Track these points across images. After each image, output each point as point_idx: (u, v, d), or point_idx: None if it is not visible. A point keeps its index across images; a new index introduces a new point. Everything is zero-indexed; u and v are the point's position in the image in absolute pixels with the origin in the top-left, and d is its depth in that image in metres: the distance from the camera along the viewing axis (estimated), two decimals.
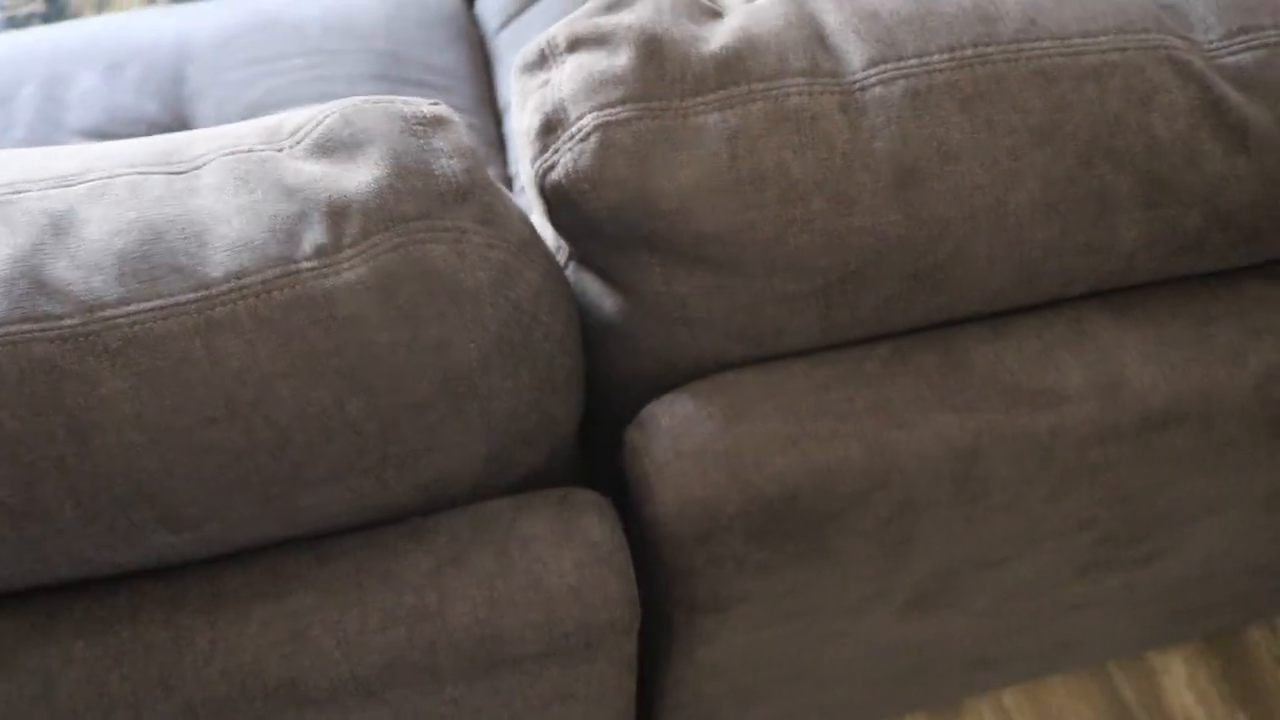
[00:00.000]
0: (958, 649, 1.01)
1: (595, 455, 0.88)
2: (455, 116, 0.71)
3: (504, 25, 1.59)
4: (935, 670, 1.05)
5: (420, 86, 1.44)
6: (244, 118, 1.42)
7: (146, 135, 1.41)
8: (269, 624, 0.68)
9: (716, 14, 0.77)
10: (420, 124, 0.68)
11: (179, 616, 0.68)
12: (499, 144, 1.44)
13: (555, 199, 0.72)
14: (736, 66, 0.71)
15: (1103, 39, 0.75)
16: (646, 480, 0.73)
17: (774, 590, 0.80)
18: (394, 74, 1.44)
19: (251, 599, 0.68)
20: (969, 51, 0.73)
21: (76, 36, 1.52)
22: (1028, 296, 0.78)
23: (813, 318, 0.74)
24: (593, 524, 0.72)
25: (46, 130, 1.40)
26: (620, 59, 0.71)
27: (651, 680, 0.93)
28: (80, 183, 0.68)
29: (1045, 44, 0.74)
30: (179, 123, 1.43)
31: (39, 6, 2.45)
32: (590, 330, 0.79)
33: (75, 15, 2.43)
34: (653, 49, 0.71)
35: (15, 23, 2.43)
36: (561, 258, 0.81)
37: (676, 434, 0.73)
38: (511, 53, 1.54)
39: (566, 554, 0.71)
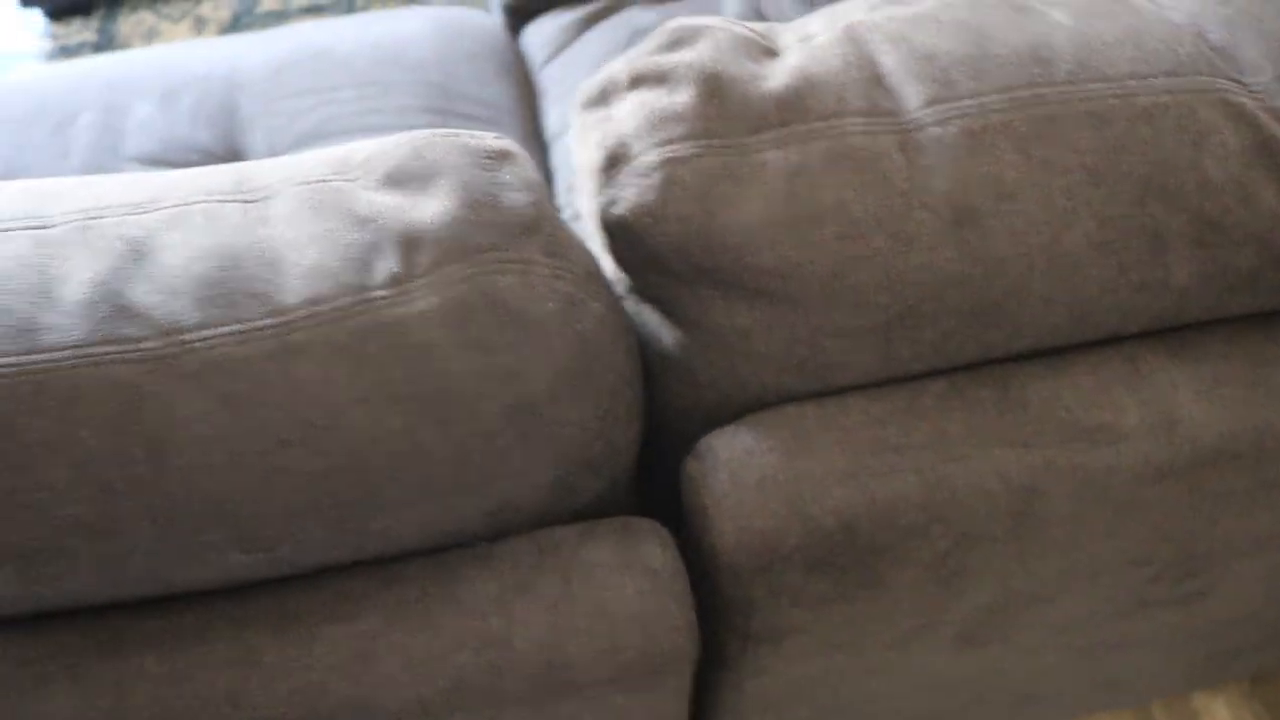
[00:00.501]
0: (1005, 684, 1.02)
1: (647, 483, 0.89)
2: (521, 151, 0.73)
3: (549, 60, 1.61)
4: (981, 705, 1.06)
5: (468, 119, 1.46)
6: (295, 147, 1.45)
7: (200, 163, 1.43)
8: (336, 644, 0.69)
9: (774, 53, 0.78)
10: (489, 158, 0.70)
11: (248, 635, 0.69)
12: (546, 176, 1.46)
13: (618, 233, 0.73)
14: (796, 105, 0.72)
15: (1155, 81, 0.76)
16: (706, 511, 0.75)
17: (828, 622, 0.81)
18: (443, 106, 1.46)
19: (320, 620, 0.70)
20: (1024, 92, 0.74)
21: (133, 66, 1.55)
22: (1083, 333, 0.79)
23: (872, 352, 0.75)
24: (654, 552, 0.74)
25: (103, 157, 1.43)
26: (682, 96, 0.73)
27: (699, 710, 0.93)
28: (156, 210, 0.70)
29: (1098, 85, 0.75)
30: (231, 152, 1.45)
31: (90, 35, 2.50)
32: (648, 361, 0.80)
33: (125, 44, 2.47)
34: (713, 87, 0.73)
35: (68, 51, 2.48)
36: (619, 290, 0.82)
37: (736, 466, 0.75)
38: (556, 86, 1.56)
39: (629, 582, 0.72)
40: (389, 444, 0.65)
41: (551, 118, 1.52)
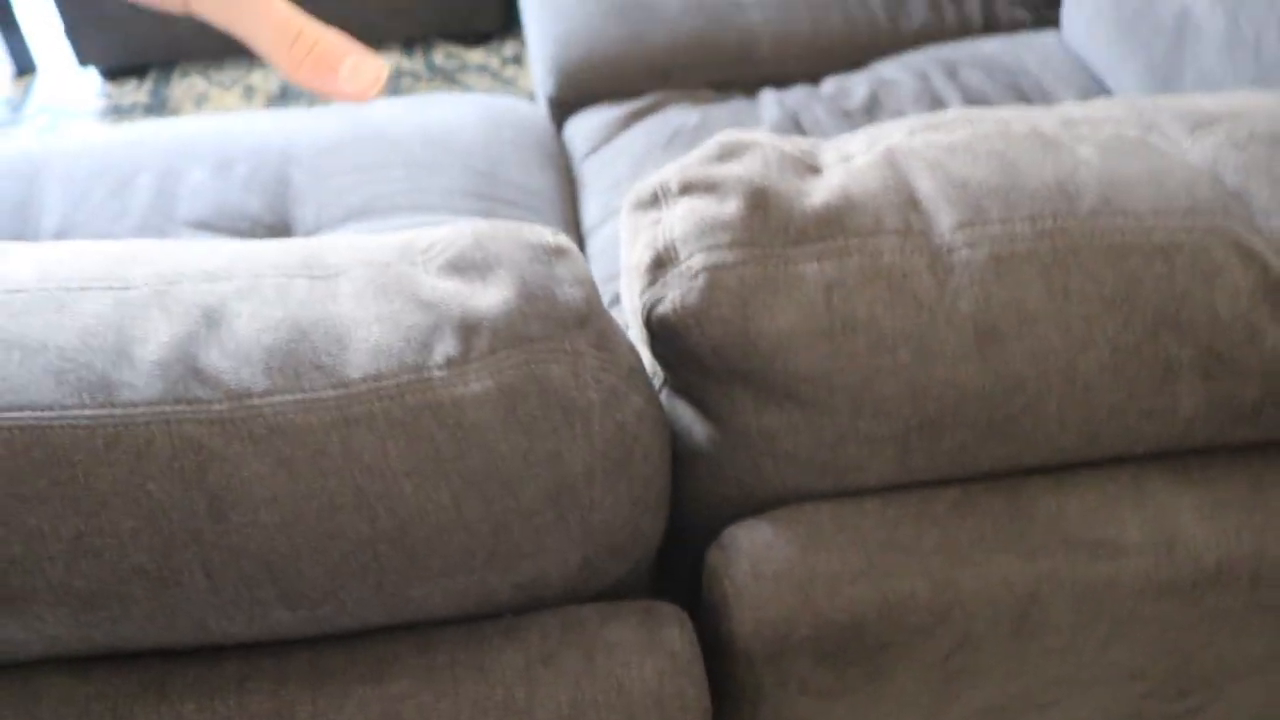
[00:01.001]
0: None
1: (663, 565, 0.93)
2: (575, 247, 0.78)
3: (589, 153, 1.68)
4: None
5: (511, 205, 1.52)
6: (343, 221, 1.50)
7: (250, 230, 1.49)
8: (367, 704, 0.73)
9: (817, 170, 0.83)
10: (546, 252, 0.75)
11: (284, 689, 0.73)
12: None
13: (660, 330, 0.78)
14: (836, 222, 0.77)
15: (1172, 220, 0.80)
16: (725, 599, 0.78)
17: (831, 713, 0.84)
18: (487, 191, 1.52)
19: (353, 679, 0.73)
20: (1049, 223, 0.79)
21: (190, 134, 1.62)
22: (1092, 452, 0.83)
23: (890, 458, 0.79)
24: (674, 636, 0.77)
25: (158, 220, 1.48)
26: (729, 206, 0.78)
27: None
28: (229, 280, 0.75)
29: (1119, 221, 0.80)
30: (281, 222, 1.51)
31: (143, 97, 2.58)
32: (677, 452, 0.84)
33: (177, 107, 2.55)
34: (759, 200, 0.78)
35: (120, 110, 2.56)
36: (656, 383, 0.86)
37: (756, 558, 0.79)
38: (596, 179, 1.62)
39: (649, 662, 0.76)
40: (435, 516, 0.69)
41: (590, 209, 1.58)
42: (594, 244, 1.52)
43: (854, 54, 1.84)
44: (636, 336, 0.84)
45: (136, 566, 0.68)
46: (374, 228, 1.48)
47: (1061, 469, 0.85)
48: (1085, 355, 0.78)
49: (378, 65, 0.55)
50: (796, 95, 1.70)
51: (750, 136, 0.84)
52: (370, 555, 0.69)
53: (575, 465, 0.71)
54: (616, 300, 1.40)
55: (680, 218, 0.79)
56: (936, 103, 1.65)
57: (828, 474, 0.80)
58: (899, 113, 1.65)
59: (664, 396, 0.85)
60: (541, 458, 0.70)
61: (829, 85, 1.73)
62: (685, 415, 0.83)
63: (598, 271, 1.48)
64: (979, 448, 0.80)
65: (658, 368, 0.86)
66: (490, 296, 0.72)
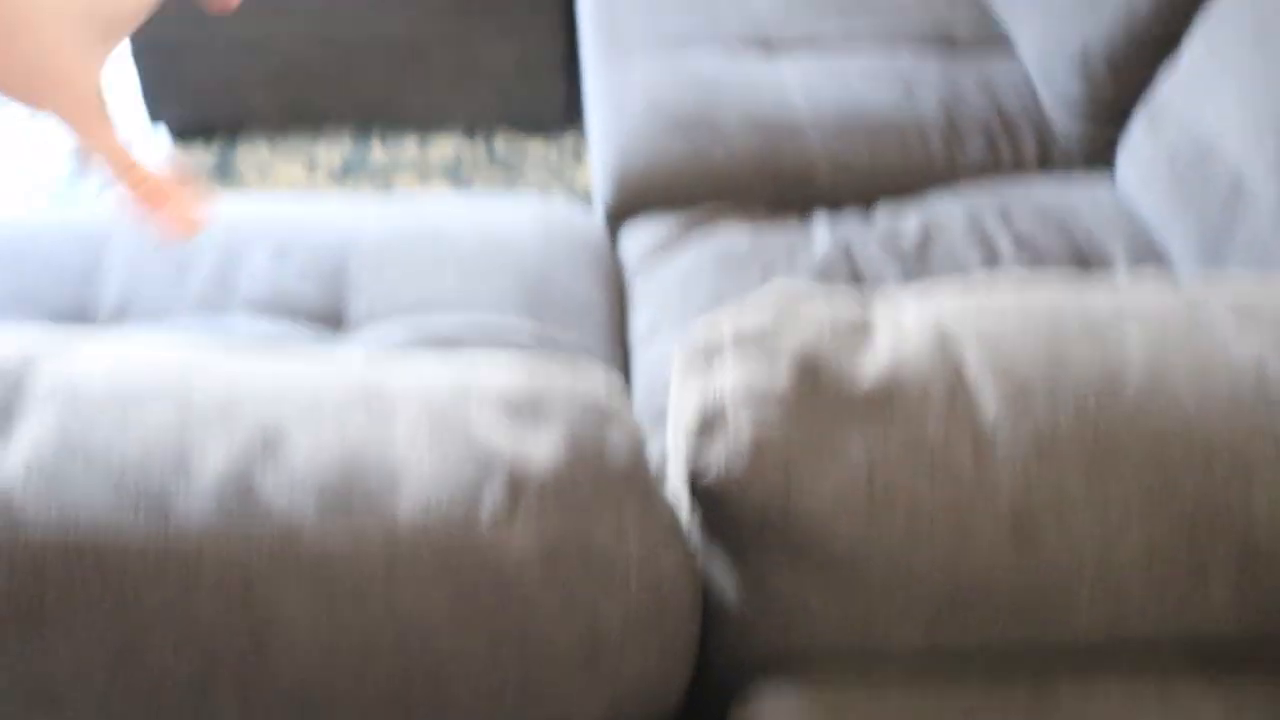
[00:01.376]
0: None
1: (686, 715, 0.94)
2: (627, 405, 0.80)
3: (642, 265, 1.70)
4: None
5: (561, 312, 1.54)
6: (394, 315, 1.53)
7: (305, 317, 1.52)
8: None
9: (869, 330, 0.85)
10: (598, 410, 0.77)
11: None
12: (628, 377, 1.53)
13: (704, 496, 0.80)
14: (884, 397, 0.79)
15: (1214, 416, 0.82)
16: None
17: None
18: (539, 297, 1.55)
19: None
20: (1093, 411, 0.80)
21: (252, 215, 1.66)
22: (1120, 635, 0.83)
23: (919, 628, 0.80)
24: None
25: (216, 297, 1.52)
26: (780, 373, 0.79)
27: None
28: (290, 402, 0.77)
29: (1162, 413, 0.81)
30: (334, 312, 1.54)
31: (208, 160, 2.64)
32: (707, 604, 0.85)
33: (240, 175, 2.61)
34: (809, 370, 0.80)
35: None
36: (693, 534, 0.88)
37: None
38: (646, 293, 1.64)
39: None
40: (469, 659, 0.70)
41: (639, 322, 1.60)
42: (640, 358, 1.54)
43: (909, 184, 1.87)
44: (676, 474, 0.86)
45: (175, 684, 0.69)
46: (424, 325, 1.50)
47: (1087, 654, 0.85)
48: (1120, 542, 0.79)
49: (196, 212, 0.64)
50: (849, 226, 1.72)
51: (806, 293, 0.86)
52: (402, 689, 0.71)
53: (610, 620, 0.72)
54: (661, 415, 1.41)
55: (730, 382, 0.80)
56: (988, 247, 1.67)
57: (856, 638, 0.81)
58: (950, 255, 1.67)
59: (699, 545, 0.87)
60: (578, 611, 0.71)
61: (882, 216, 1.75)
62: (719, 569, 0.84)
63: (642, 386, 1.49)
64: (1007, 625, 0.81)
65: (697, 522, 0.87)
66: (541, 449, 0.74)
